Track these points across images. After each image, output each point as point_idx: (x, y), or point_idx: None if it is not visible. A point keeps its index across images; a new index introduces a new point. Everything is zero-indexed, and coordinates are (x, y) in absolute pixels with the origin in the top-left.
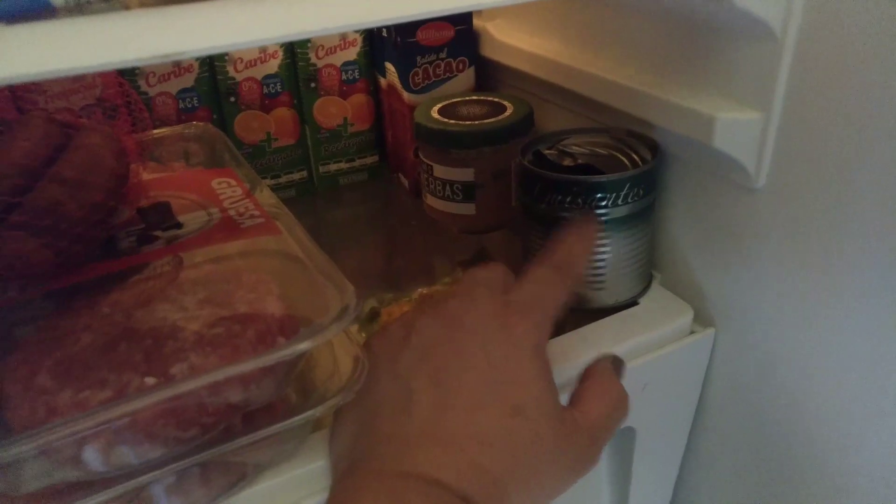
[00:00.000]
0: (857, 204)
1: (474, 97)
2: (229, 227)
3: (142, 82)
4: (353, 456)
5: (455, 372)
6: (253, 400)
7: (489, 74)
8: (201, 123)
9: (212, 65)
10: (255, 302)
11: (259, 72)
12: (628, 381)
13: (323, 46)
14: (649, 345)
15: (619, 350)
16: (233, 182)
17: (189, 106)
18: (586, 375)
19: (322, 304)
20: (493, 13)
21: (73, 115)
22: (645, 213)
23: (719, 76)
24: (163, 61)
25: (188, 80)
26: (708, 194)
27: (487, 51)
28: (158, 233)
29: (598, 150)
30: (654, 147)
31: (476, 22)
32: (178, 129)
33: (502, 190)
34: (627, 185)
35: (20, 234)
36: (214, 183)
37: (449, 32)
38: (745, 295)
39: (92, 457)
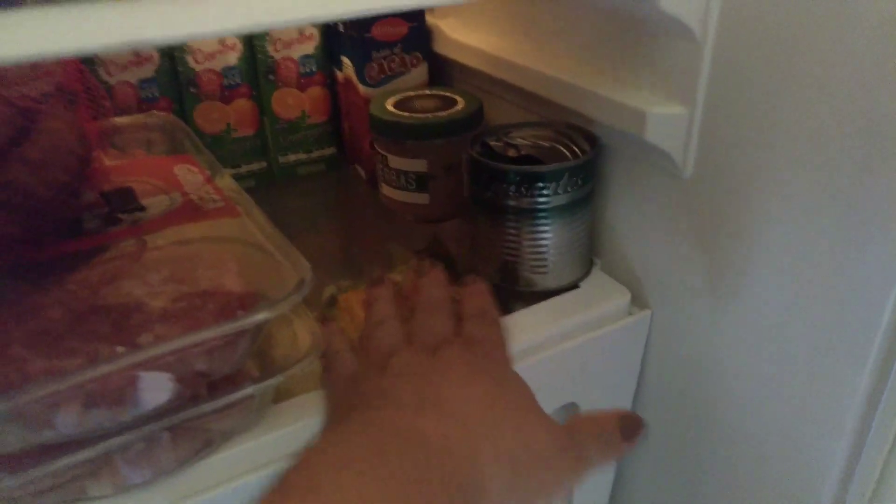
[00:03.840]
0: (775, 190)
1: (427, 91)
2: (191, 210)
3: (102, 71)
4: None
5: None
6: (217, 369)
7: (442, 70)
8: (163, 113)
9: (172, 56)
10: (215, 279)
11: (218, 63)
12: (570, 358)
13: (281, 40)
14: (589, 324)
15: (560, 329)
16: (194, 168)
17: (150, 96)
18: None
19: (279, 281)
20: (445, 11)
21: (33, 101)
22: (584, 202)
23: (650, 73)
24: (125, 49)
25: (148, 71)
26: (642, 184)
27: (440, 47)
28: (123, 215)
29: (541, 142)
30: (593, 139)
31: (429, 19)
32: (139, 118)
33: (454, 180)
34: (566, 175)
35: None
36: (176, 169)
37: (402, 29)
38: (678, 278)
39: (65, 420)
